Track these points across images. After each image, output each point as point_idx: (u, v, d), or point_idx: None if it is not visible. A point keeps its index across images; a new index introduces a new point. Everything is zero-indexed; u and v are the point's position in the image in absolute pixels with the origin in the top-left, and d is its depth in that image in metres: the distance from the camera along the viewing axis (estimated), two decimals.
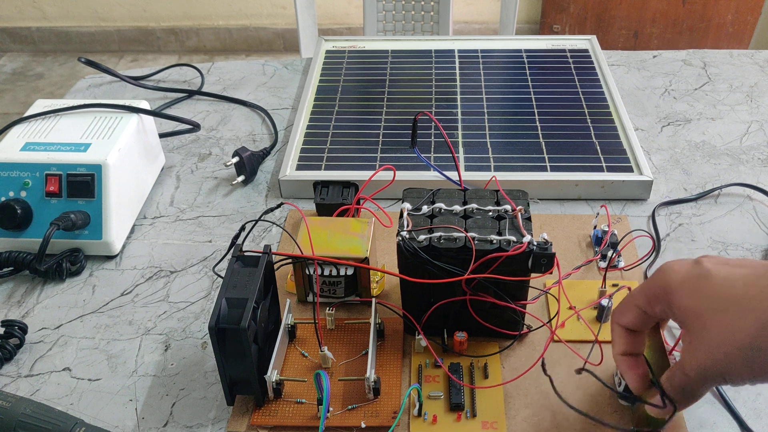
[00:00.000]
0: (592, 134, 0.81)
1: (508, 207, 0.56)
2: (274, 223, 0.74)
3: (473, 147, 0.79)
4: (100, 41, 2.92)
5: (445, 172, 0.74)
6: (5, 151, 0.69)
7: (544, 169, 0.76)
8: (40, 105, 0.76)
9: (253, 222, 0.67)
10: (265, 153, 0.83)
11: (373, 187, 0.69)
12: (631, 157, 0.77)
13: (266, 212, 0.68)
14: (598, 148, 0.78)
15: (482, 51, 0.98)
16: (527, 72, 0.93)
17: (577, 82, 0.90)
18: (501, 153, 0.78)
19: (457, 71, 0.94)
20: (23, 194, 0.68)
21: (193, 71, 1.01)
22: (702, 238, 0.70)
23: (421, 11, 1.48)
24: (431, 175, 0.75)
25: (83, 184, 0.67)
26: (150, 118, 0.77)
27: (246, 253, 0.55)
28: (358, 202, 0.69)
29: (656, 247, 0.68)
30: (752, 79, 0.95)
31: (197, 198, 0.78)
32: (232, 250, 0.57)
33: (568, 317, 0.61)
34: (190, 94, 0.96)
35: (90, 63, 0.94)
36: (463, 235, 0.53)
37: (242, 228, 0.60)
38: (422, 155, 0.77)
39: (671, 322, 0.54)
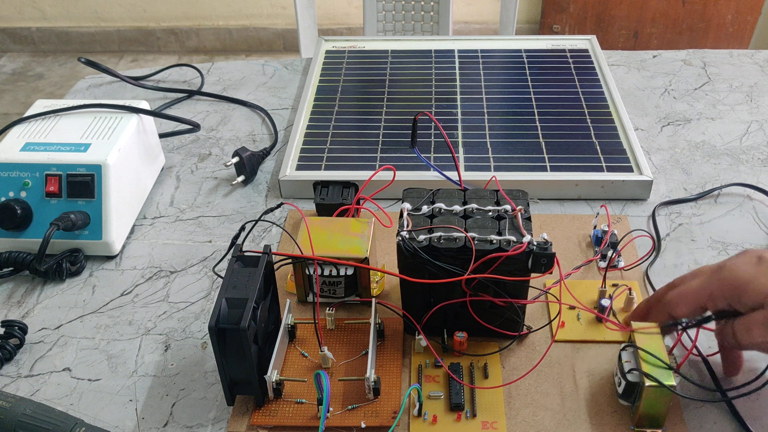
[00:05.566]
0: (592, 134, 0.81)
1: (508, 207, 0.56)
2: (274, 223, 0.74)
3: (473, 147, 0.79)
4: (100, 41, 2.92)
5: (445, 172, 0.74)
6: (5, 152, 0.69)
7: (544, 169, 0.76)
8: (40, 105, 0.76)
9: (253, 222, 0.67)
10: (265, 153, 0.83)
11: (373, 187, 0.69)
12: (631, 157, 0.77)
13: (266, 212, 0.68)
14: (598, 148, 0.78)
15: (482, 51, 0.98)
16: (527, 72, 0.93)
17: (576, 82, 0.90)
18: (501, 153, 0.78)
19: (457, 71, 0.94)
20: (23, 194, 0.68)
21: (193, 71, 1.01)
22: (702, 238, 0.70)
23: (421, 11, 1.48)
24: (431, 175, 0.75)
25: (83, 185, 0.67)
26: (150, 119, 0.77)
27: (246, 253, 0.55)
28: (358, 202, 0.69)
29: (656, 247, 0.68)
30: (752, 79, 0.95)
31: (197, 198, 0.78)
32: (232, 250, 0.57)
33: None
34: (190, 94, 0.96)
35: (90, 63, 0.94)
36: (463, 235, 0.53)
37: (242, 228, 0.60)
38: (422, 155, 0.77)
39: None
